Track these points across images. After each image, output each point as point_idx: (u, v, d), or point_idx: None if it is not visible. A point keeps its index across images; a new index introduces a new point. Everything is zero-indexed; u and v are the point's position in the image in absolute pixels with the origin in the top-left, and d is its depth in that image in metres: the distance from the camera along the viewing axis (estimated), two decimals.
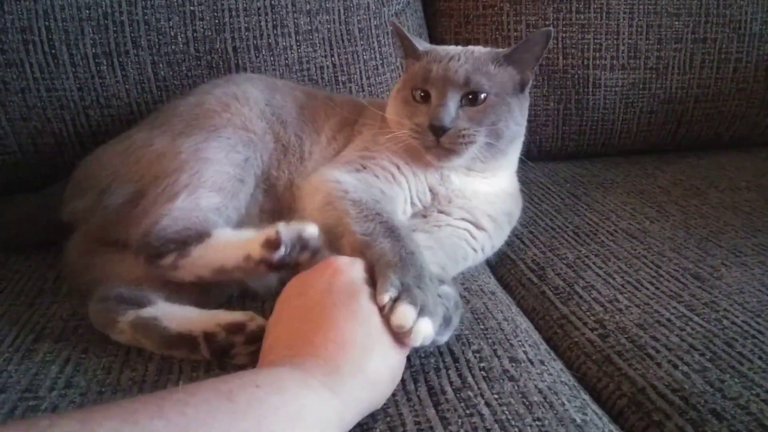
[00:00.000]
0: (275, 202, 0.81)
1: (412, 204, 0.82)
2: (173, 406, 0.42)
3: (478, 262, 0.86)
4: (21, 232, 0.89)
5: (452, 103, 0.76)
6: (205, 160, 0.76)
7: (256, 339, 0.61)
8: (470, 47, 0.84)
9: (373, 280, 0.60)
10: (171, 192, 0.73)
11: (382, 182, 0.79)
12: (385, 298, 0.57)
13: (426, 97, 0.78)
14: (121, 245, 0.74)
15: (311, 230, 0.66)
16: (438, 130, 0.75)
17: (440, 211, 0.82)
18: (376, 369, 0.53)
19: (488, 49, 0.84)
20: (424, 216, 0.82)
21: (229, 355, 0.63)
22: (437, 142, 0.76)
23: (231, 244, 0.68)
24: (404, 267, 0.61)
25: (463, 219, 0.82)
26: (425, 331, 0.56)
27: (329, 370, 0.50)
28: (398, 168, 0.81)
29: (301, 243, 0.66)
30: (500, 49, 0.83)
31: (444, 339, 0.63)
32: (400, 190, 0.80)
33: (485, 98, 0.77)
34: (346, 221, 0.70)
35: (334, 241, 0.70)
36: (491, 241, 0.85)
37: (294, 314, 0.57)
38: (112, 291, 0.68)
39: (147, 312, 0.66)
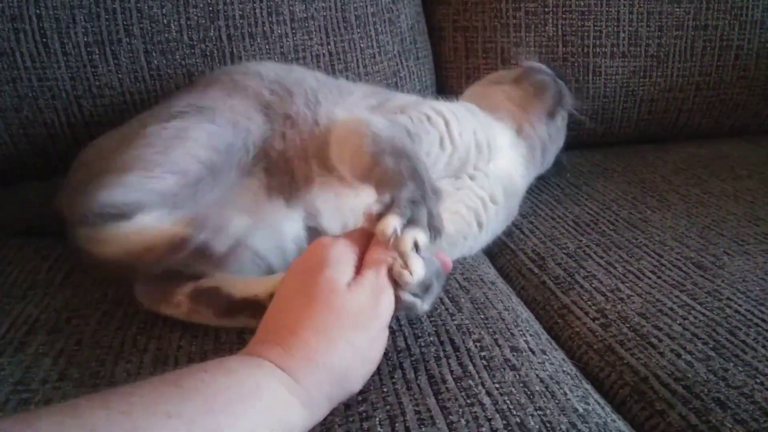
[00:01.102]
0: (282, 175, 0.78)
1: (453, 145, 0.81)
2: (118, 397, 0.42)
3: (474, 248, 0.85)
4: (27, 219, 0.89)
5: None
6: (181, 139, 0.72)
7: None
8: None
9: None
10: (126, 164, 0.69)
11: (412, 123, 0.78)
12: (373, 214, 0.56)
13: None
14: None
15: (217, 244, 0.62)
16: None
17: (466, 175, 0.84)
18: (333, 353, 0.51)
19: None
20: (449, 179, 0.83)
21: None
22: None
23: (147, 230, 0.64)
24: (401, 182, 0.60)
25: (482, 189, 0.83)
26: (414, 237, 0.54)
27: (283, 352, 0.50)
28: (437, 112, 0.81)
29: (203, 251, 0.62)
30: None
31: (426, 306, 0.58)
32: (435, 131, 0.79)
33: None
34: (363, 143, 0.68)
35: (352, 162, 0.71)
36: (495, 220, 0.86)
37: (278, 301, 0.57)
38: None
39: (206, 282, 0.66)
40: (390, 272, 0.55)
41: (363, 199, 0.73)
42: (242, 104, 0.79)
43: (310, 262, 0.56)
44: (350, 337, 0.52)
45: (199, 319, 0.66)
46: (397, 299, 0.56)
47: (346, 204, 0.77)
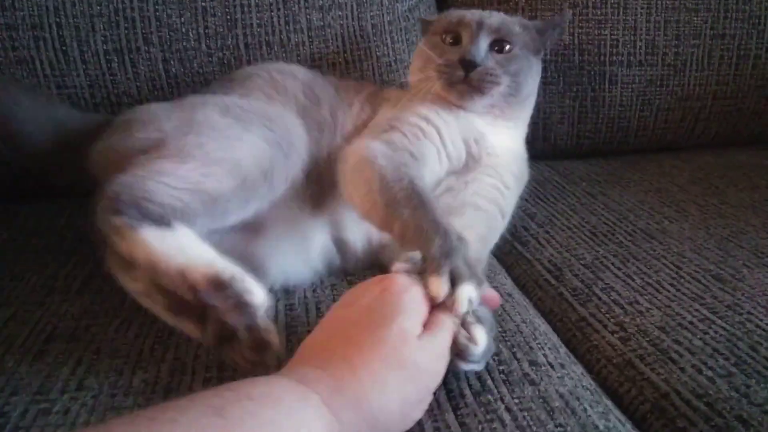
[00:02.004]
0: (312, 183, 0.79)
1: (448, 157, 0.81)
2: (163, 426, 0.40)
3: (498, 235, 0.85)
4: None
5: (483, 44, 0.81)
6: (245, 141, 0.71)
7: (260, 349, 0.58)
8: (501, 13, 0.89)
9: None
10: (189, 152, 0.67)
11: (410, 141, 0.77)
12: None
13: (456, 41, 0.84)
14: None
15: (254, 297, 0.59)
16: (469, 65, 0.79)
17: (473, 170, 0.83)
18: (383, 402, 0.49)
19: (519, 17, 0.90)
20: (456, 175, 0.83)
21: (230, 345, 0.60)
22: (465, 78, 0.79)
23: (180, 251, 0.61)
24: (427, 238, 0.60)
25: (491, 177, 0.82)
26: (467, 293, 0.55)
27: (334, 388, 0.48)
28: (427, 121, 0.80)
29: (238, 301, 0.59)
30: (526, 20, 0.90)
31: (481, 365, 0.60)
32: (431, 144, 0.79)
33: (511, 49, 0.83)
34: (372, 188, 0.69)
35: (367, 209, 0.70)
36: (511, 204, 0.86)
37: (334, 324, 0.55)
38: None
39: None
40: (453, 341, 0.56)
41: None
42: (287, 112, 0.80)
43: (383, 301, 0.54)
44: (405, 391, 0.51)
45: (148, 304, 0.63)
46: (455, 366, 0.57)
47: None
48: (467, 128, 0.83)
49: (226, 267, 0.60)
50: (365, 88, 0.91)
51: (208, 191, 0.67)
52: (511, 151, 0.86)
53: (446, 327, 0.55)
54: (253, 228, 0.74)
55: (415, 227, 0.63)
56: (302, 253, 0.77)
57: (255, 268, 0.72)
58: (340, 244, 0.79)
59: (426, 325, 0.54)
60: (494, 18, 0.84)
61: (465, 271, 0.57)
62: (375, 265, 0.80)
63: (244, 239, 0.74)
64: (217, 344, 0.61)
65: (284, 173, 0.74)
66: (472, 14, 0.85)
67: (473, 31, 0.82)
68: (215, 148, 0.69)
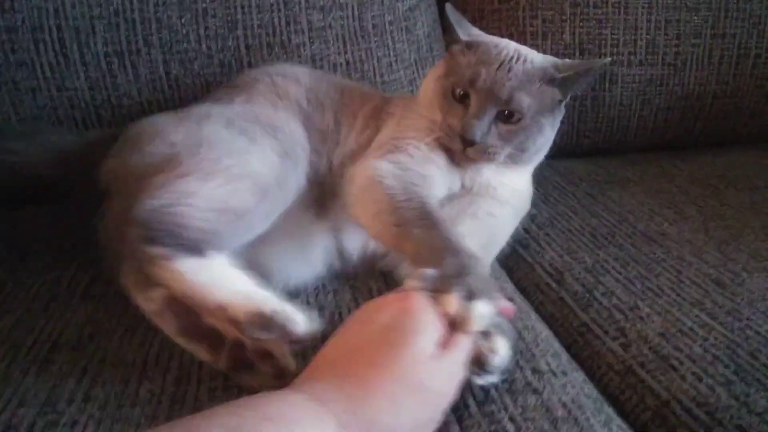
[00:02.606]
0: (315, 188, 0.79)
1: (448, 185, 0.81)
2: None
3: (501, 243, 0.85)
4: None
5: (488, 117, 0.74)
6: (259, 152, 0.71)
7: (281, 376, 0.58)
8: (524, 51, 0.79)
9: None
10: (208, 169, 0.67)
11: (417, 162, 0.77)
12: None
13: (465, 98, 0.76)
14: None
15: (297, 325, 0.59)
16: (467, 143, 0.75)
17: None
18: (396, 423, 0.50)
19: (542, 60, 0.79)
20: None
21: (250, 373, 0.60)
22: (463, 150, 0.76)
23: (218, 283, 0.61)
24: (440, 256, 0.61)
25: (491, 197, 0.82)
26: (483, 310, 0.56)
27: (348, 409, 0.48)
28: (429, 148, 0.79)
29: (283, 334, 0.59)
30: (554, 63, 0.78)
31: (497, 378, 0.60)
32: (436, 168, 0.79)
33: (519, 119, 0.75)
34: (382, 209, 0.70)
35: (378, 230, 0.71)
36: (507, 228, 0.85)
37: (352, 339, 0.55)
38: None
39: None
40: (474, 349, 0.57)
41: None
42: (291, 120, 0.79)
43: (400, 321, 0.54)
44: (417, 412, 0.51)
45: (161, 324, 0.63)
46: (471, 381, 0.58)
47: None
48: (467, 171, 0.81)
49: (266, 299, 0.60)
50: (371, 100, 0.88)
51: (235, 209, 0.67)
52: (514, 190, 0.84)
53: (461, 347, 0.56)
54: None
55: (427, 247, 0.63)
56: (305, 257, 0.78)
57: (260, 270, 0.72)
58: (340, 249, 0.80)
59: (441, 344, 0.55)
60: (508, 85, 0.74)
61: (478, 289, 0.58)
62: (374, 271, 0.81)
63: (249, 243, 0.74)
64: (232, 370, 0.61)
65: (295, 181, 0.75)
66: (487, 77, 0.74)
67: (481, 102, 0.74)
68: (232, 164, 0.69)
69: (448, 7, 0.83)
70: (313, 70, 0.95)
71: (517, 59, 0.77)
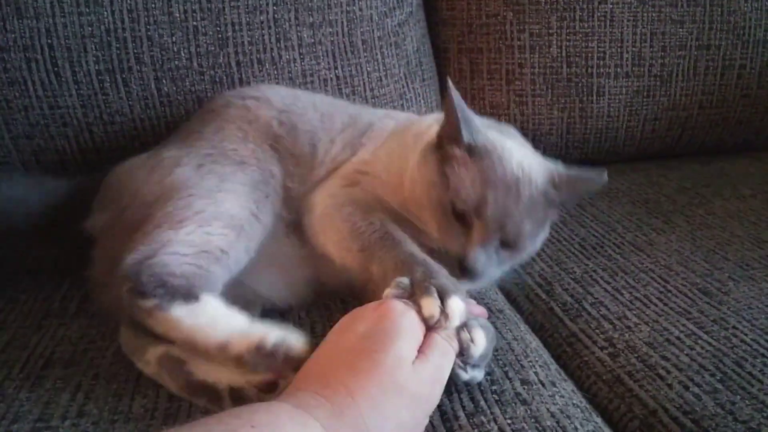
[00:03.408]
0: (296, 214, 0.79)
1: None
2: None
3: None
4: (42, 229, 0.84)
5: (492, 247, 0.70)
6: (228, 191, 0.72)
7: None
8: (526, 161, 0.72)
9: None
10: (179, 216, 0.69)
11: (374, 199, 0.76)
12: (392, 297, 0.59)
13: (465, 217, 0.69)
14: None
15: (297, 349, 0.60)
16: (466, 270, 0.69)
17: None
18: (380, 427, 0.50)
19: (543, 174, 0.73)
20: None
21: None
22: (458, 273, 0.69)
23: (214, 324, 0.62)
24: (407, 269, 0.63)
25: None
26: (457, 306, 0.58)
27: (332, 414, 0.49)
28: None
29: (286, 358, 0.60)
30: (552, 180, 0.73)
31: (481, 373, 0.62)
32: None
33: (524, 246, 0.73)
34: (344, 236, 0.71)
35: (342, 256, 0.71)
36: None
37: (333, 348, 0.56)
38: None
39: (176, 350, 0.63)
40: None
41: None
42: (260, 148, 0.80)
43: (380, 328, 0.55)
44: (401, 416, 0.52)
45: (164, 383, 0.63)
46: (456, 375, 0.59)
47: None
48: None
49: (264, 331, 0.61)
50: (353, 125, 0.85)
51: (218, 247, 0.69)
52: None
53: (440, 350, 0.57)
54: None
55: (393, 265, 0.65)
56: (288, 281, 0.78)
57: (247, 293, 0.73)
58: (320, 273, 0.79)
59: (421, 349, 0.56)
60: (515, 222, 0.69)
61: (450, 286, 0.60)
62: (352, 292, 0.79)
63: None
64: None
65: (270, 210, 0.76)
66: (496, 207, 0.68)
67: (487, 232, 0.69)
68: (202, 207, 0.70)
69: (453, 92, 0.70)
70: (292, 90, 0.94)
71: (523, 180, 0.70)
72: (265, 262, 0.75)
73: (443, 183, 0.71)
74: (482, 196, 0.69)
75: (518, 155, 0.73)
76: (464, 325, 0.60)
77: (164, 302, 0.63)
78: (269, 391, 0.59)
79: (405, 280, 0.61)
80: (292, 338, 0.60)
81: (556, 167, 0.76)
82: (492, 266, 0.71)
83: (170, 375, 0.63)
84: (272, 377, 0.60)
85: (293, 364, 0.59)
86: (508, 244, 0.71)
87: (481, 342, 0.60)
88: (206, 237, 0.68)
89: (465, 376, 0.60)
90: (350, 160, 0.82)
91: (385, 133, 0.84)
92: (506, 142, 0.74)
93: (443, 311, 0.58)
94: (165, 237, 0.67)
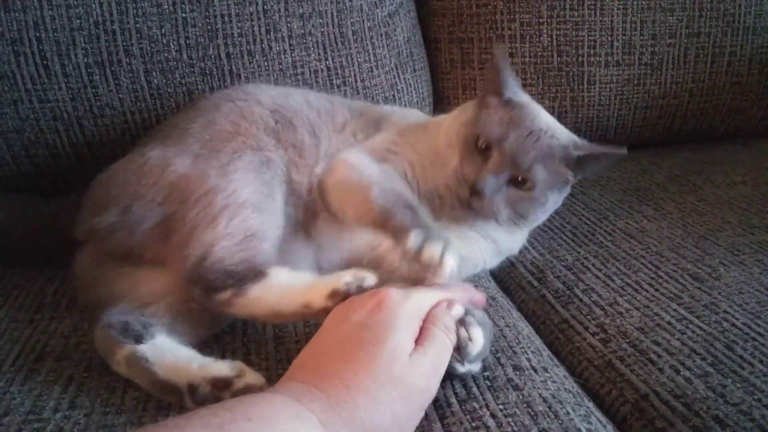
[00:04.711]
0: (303, 210, 0.79)
1: None
2: None
3: (493, 262, 0.87)
4: (26, 248, 0.87)
5: (503, 178, 0.75)
6: (237, 180, 0.72)
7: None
8: (554, 125, 0.79)
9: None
10: (208, 215, 0.69)
11: (402, 178, 0.78)
12: (412, 239, 0.63)
13: (486, 150, 0.75)
14: (136, 261, 0.73)
15: (370, 281, 0.63)
16: (476, 192, 0.74)
17: None
18: (376, 419, 0.50)
19: (566, 137, 0.79)
20: None
21: None
22: (468, 199, 0.75)
23: (291, 289, 0.65)
24: (426, 227, 0.65)
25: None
26: (451, 263, 0.62)
27: (328, 407, 0.49)
28: (410, 164, 0.81)
29: (361, 292, 0.63)
30: (574, 143, 0.79)
31: (477, 366, 0.63)
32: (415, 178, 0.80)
33: (530, 188, 0.76)
34: (365, 193, 0.71)
35: (361, 214, 0.72)
36: (495, 256, 0.86)
37: (329, 339, 0.56)
38: (116, 318, 0.66)
39: (141, 350, 0.63)
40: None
41: (360, 240, 0.77)
42: (254, 136, 0.79)
43: (377, 318, 0.56)
44: (397, 408, 0.52)
45: (137, 382, 0.63)
46: (453, 368, 0.60)
47: (344, 242, 0.79)
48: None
49: (335, 279, 0.64)
50: (361, 116, 0.87)
51: (256, 230, 0.70)
52: (506, 233, 0.84)
53: (439, 343, 0.57)
54: None
55: (405, 220, 0.67)
56: None
57: None
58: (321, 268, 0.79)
59: (419, 341, 0.56)
60: (531, 155, 0.74)
61: (445, 239, 0.64)
62: None
63: None
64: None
65: (278, 190, 0.76)
66: (515, 141, 0.74)
67: (502, 162, 0.74)
68: (225, 200, 0.71)
69: (500, 54, 0.80)
70: (281, 88, 0.93)
71: (546, 132, 0.76)
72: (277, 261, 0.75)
73: (475, 122, 0.78)
74: (506, 132, 0.75)
75: (546, 117, 0.80)
76: (462, 322, 0.60)
77: (239, 288, 0.66)
78: (222, 388, 0.59)
79: (419, 237, 0.63)
80: (360, 275, 0.64)
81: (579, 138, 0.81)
82: (500, 197, 0.75)
83: (138, 374, 0.63)
84: (227, 374, 0.60)
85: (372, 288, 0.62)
86: (518, 182, 0.76)
87: (479, 340, 0.60)
88: (242, 224, 0.70)
89: (462, 369, 0.60)
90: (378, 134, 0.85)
91: (405, 123, 0.87)
92: (538, 106, 0.82)
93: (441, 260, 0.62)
94: (206, 238, 0.68)
